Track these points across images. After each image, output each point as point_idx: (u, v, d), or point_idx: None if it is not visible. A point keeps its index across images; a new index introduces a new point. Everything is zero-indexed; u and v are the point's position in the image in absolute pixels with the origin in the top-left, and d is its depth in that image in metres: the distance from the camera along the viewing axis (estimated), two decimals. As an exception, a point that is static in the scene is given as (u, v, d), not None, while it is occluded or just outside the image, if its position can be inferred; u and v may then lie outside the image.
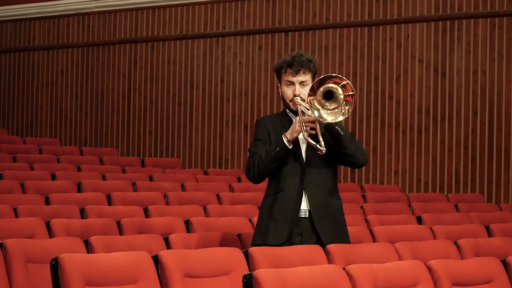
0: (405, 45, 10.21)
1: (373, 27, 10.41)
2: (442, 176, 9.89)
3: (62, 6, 12.63)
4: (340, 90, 4.59)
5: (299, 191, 4.74)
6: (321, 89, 4.57)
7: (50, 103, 12.69)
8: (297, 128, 4.62)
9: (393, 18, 10.29)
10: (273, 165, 4.71)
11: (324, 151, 4.51)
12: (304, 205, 4.76)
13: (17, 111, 12.98)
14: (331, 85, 4.58)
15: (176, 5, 11.75)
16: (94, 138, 12.28)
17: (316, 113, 4.57)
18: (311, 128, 4.60)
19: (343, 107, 4.59)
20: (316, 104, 4.58)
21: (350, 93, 4.59)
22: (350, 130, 10.30)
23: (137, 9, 12.06)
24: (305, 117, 4.61)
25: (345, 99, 4.59)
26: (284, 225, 4.73)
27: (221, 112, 11.37)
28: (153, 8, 11.92)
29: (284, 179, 4.77)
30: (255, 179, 4.78)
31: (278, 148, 4.66)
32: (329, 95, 4.59)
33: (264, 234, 4.76)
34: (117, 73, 12.19)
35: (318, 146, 4.51)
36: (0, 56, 13.20)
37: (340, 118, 4.59)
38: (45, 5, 12.77)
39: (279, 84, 4.86)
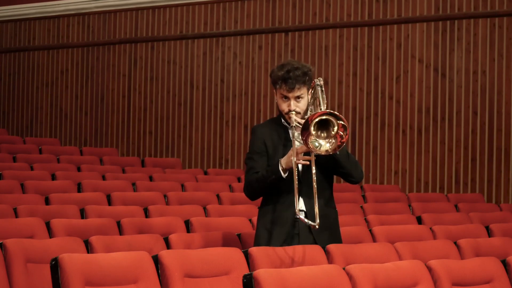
0: (405, 45, 10.21)
1: (373, 27, 10.41)
2: (442, 176, 9.89)
3: (62, 6, 12.63)
4: (336, 128, 4.49)
5: (294, 201, 4.74)
6: (314, 121, 4.45)
7: (50, 103, 12.69)
8: (292, 160, 4.59)
9: (393, 18, 10.29)
10: (268, 189, 4.78)
11: (317, 227, 4.53)
12: (301, 206, 4.76)
13: (17, 111, 12.98)
14: (324, 117, 4.46)
15: (176, 5, 11.74)
16: (94, 138, 12.28)
17: (315, 144, 4.49)
18: (304, 160, 4.59)
19: (332, 140, 4.51)
20: (312, 138, 4.50)
21: (343, 134, 4.49)
22: (350, 130, 10.33)
23: (137, 9, 12.06)
24: (299, 149, 4.58)
25: (335, 136, 4.51)
26: (281, 235, 4.75)
27: (221, 112, 11.37)
28: (153, 8, 11.92)
29: (280, 192, 4.79)
30: (252, 198, 4.92)
31: (273, 176, 4.69)
32: (323, 125, 4.48)
33: (262, 244, 4.78)
34: (117, 73, 12.19)
35: (310, 222, 4.52)
36: (0, 56, 13.20)
37: (334, 149, 4.50)
38: (45, 5, 12.77)
39: (274, 91, 4.85)
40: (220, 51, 11.43)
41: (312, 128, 4.46)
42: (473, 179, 9.75)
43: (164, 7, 11.84)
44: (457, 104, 9.88)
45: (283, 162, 4.67)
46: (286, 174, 4.67)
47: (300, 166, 4.75)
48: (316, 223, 4.52)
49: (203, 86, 11.53)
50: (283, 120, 4.84)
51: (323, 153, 4.52)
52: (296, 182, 4.60)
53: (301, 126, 4.56)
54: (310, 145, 4.48)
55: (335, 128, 4.48)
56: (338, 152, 4.64)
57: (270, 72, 4.84)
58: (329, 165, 4.79)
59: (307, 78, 4.75)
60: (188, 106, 11.63)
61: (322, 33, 10.74)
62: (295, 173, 4.60)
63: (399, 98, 10.19)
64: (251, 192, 4.82)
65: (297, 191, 4.60)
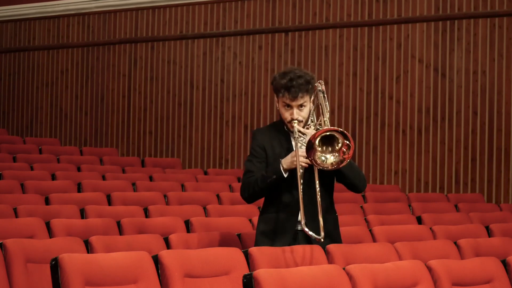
0: (405, 45, 10.21)
1: (373, 27, 10.41)
2: (442, 176, 9.89)
3: (62, 6, 12.63)
4: (340, 144, 4.48)
5: (295, 211, 4.73)
6: (322, 134, 4.45)
7: (50, 103, 12.69)
8: (294, 161, 4.60)
9: (393, 18, 10.29)
10: (267, 190, 4.74)
11: (322, 240, 4.51)
12: (300, 217, 4.74)
13: (17, 111, 12.98)
14: (329, 133, 4.46)
15: (176, 5, 11.75)
16: (94, 138, 12.28)
17: (322, 158, 4.49)
18: (306, 163, 4.57)
19: (336, 154, 4.51)
20: (318, 154, 4.49)
21: (346, 151, 4.48)
22: (350, 130, 10.34)
23: (137, 9, 12.06)
24: (301, 152, 4.57)
25: (339, 151, 4.50)
26: (281, 243, 4.74)
27: (221, 112, 11.37)
28: (153, 8, 11.92)
29: (280, 199, 4.76)
30: (249, 200, 4.82)
31: (274, 176, 4.66)
32: (328, 140, 4.49)
33: None
34: (117, 73, 12.19)
35: (315, 236, 4.51)
36: (0, 56, 13.20)
37: (338, 163, 4.50)
38: (45, 5, 12.77)
39: (276, 98, 4.82)
40: (220, 51, 11.43)
41: (316, 145, 4.45)
42: (473, 179, 9.75)
43: (164, 7, 11.84)
44: (457, 104, 9.88)
45: (284, 162, 4.66)
46: (286, 175, 4.66)
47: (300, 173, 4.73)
48: (321, 237, 4.50)
49: (203, 86, 11.53)
50: (285, 127, 4.82)
51: (329, 168, 4.50)
52: (300, 189, 4.57)
53: (303, 136, 4.57)
54: (318, 161, 4.47)
55: (340, 144, 4.48)
56: (331, 166, 4.61)
57: (272, 79, 4.80)
58: (332, 175, 4.77)
59: (310, 86, 4.71)
60: (188, 106, 11.63)
61: (322, 33, 10.74)
62: (300, 185, 4.58)
63: (399, 98, 10.19)
64: (249, 194, 4.77)
65: (302, 200, 4.57)
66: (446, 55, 9.98)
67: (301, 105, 4.71)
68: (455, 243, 5.67)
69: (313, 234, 4.50)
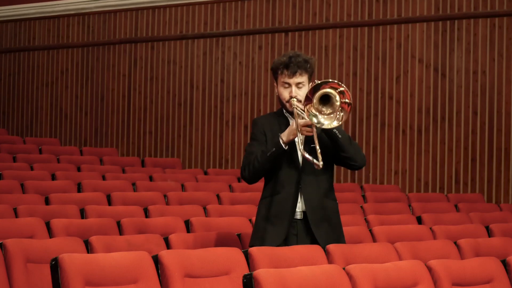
0: (405, 45, 10.21)
1: (373, 27, 10.41)
2: (442, 176, 9.89)
3: (62, 6, 12.63)
4: (337, 97, 4.53)
5: (295, 193, 4.75)
6: (318, 94, 4.51)
7: (50, 103, 12.69)
8: (293, 131, 4.61)
9: (393, 18, 10.29)
10: (268, 165, 4.71)
11: (321, 166, 4.48)
12: (299, 207, 4.76)
13: (17, 111, 12.98)
14: (328, 90, 4.52)
15: (176, 5, 11.74)
16: (94, 138, 12.28)
17: (314, 120, 4.53)
18: (307, 131, 4.58)
19: (338, 113, 4.55)
20: (313, 110, 4.54)
21: (346, 101, 4.53)
22: (350, 130, 10.35)
23: (137, 9, 12.06)
24: (301, 121, 4.58)
25: (340, 106, 4.54)
26: (281, 227, 4.74)
27: (221, 112, 11.37)
28: (153, 8, 11.92)
29: (280, 182, 4.77)
30: (250, 179, 4.80)
31: (274, 149, 4.65)
32: (326, 100, 4.54)
33: (262, 236, 4.77)
34: (117, 73, 12.19)
35: (315, 161, 4.48)
36: (0, 56, 13.20)
37: (335, 123, 4.54)
38: (45, 5, 12.77)
39: (275, 84, 4.85)
40: (220, 51, 11.43)
41: (314, 99, 4.49)
42: (473, 179, 9.75)
43: (164, 7, 11.84)
44: (457, 104, 9.88)
45: (283, 135, 4.66)
46: (287, 147, 4.65)
47: (300, 158, 4.74)
48: (320, 163, 4.46)
49: (203, 86, 11.53)
50: (284, 111, 4.84)
51: (325, 126, 4.53)
52: (300, 149, 4.58)
53: (303, 114, 4.58)
54: (316, 120, 4.50)
55: (337, 101, 4.51)
56: (340, 136, 4.64)
57: (272, 65, 4.84)
58: (331, 151, 4.75)
59: (308, 65, 4.75)
60: (188, 106, 11.63)
61: (322, 33, 10.74)
62: (299, 147, 4.58)
63: (399, 98, 10.19)
64: (249, 171, 4.74)
65: (300, 145, 4.58)
66: (446, 55, 9.98)
67: (299, 83, 4.74)
68: (455, 243, 5.67)
69: (313, 159, 4.46)
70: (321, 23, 10.74)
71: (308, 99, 4.52)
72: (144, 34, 12.00)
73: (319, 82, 4.54)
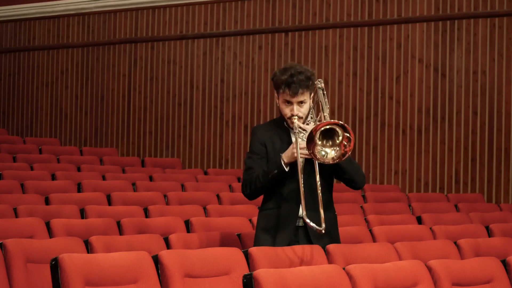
0: (405, 45, 10.21)
1: (373, 27, 10.41)
2: (442, 176, 9.88)
3: (62, 6, 12.63)
4: (340, 137, 4.48)
5: (295, 207, 4.74)
6: (318, 132, 4.44)
7: (50, 103, 12.69)
8: (293, 154, 4.60)
9: (393, 18, 10.29)
10: (269, 185, 4.73)
11: (323, 231, 4.50)
12: (301, 213, 4.74)
13: (17, 111, 12.98)
14: (327, 127, 4.46)
15: (176, 5, 11.74)
16: (94, 138, 12.28)
17: (322, 153, 4.49)
18: (306, 155, 4.55)
19: (337, 148, 4.50)
20: (318, 148, 4.49)
21: (346, 144, 4.46)
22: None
23: (137, 9, 12.06)
24: (301, 144, 4.56)
25: (340, 145, 4.51)
26: (282, 240, 4.74)
27: (221, 112, 11.37)
28: (153, 8, 11.92)
29: (280, 195, 4.77)
30: (251, 197, 4.82)
31: (275, 171, 4.66)
32: (328, 135, 4.48)
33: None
34: (117, 73, 12.19)
35: (316, 227, 4.49)
36: (0, 56, 13.20)
37: (331, 158, 4.50)
38: (45, 5, 12.77)
39: (276, 94, 4.82)
40: (220, 51, 11.43)
41: (317, 138, 4.45)
42: (473, 179, 9.74)
43: (164, 7, 11.84)
44: (457, 104, 9.88)
45: (284, 156, 4.65)
46: (288, 168, 4.65)
47: (300, 173, 4.72)
48: (322, 228, 4.50)
49: (203, 86, 11.53)
50: (285, 123, 4.82)
51: (330, 162, 4.50)
52: (301, 181, 4.58)
53: (303, 132, 4.56)
54: (318, 155, 4.47)
55: (340, 138, 4.47)
56: (333, 161, 4.62)
57: (272, 75, 4.80)
58: (331, 171, 4.77)
59: (310, 82, 4.71)
60: (188, 106, 11.63)
61: (322, 33, 10.74)
62: (301, 176, 4.58)
63: (399, 98, 10.19)
64: (251, 190, 4.76)
65: (303, 194, 4.57)
66: (446, 55, 9.98)
67: (301, 102, 4.71)
68: (455, 243, 5.66)
69: (314, 225, 4.49)
70: (321, 23, 10.74)
71: (310, 142, 4.45)
72: (144, 34, 12.00)
73: (312, 130, 4.46)
